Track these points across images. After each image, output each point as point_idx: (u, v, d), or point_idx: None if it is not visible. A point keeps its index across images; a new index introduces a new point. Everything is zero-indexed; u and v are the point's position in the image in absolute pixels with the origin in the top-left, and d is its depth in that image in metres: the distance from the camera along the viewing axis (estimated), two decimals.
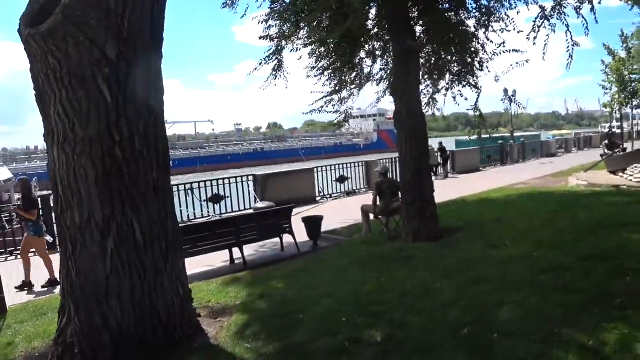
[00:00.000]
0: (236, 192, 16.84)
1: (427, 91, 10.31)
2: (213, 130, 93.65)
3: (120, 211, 4.78)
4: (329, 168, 19.22)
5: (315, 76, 10.38)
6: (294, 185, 17.89)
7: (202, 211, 16.25)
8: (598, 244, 6.71)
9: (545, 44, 8.72)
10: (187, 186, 16.16)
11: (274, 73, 10.16)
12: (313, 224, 10.55)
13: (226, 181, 16.77)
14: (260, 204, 14.65)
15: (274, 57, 10.01)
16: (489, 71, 9.63)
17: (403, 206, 8.94)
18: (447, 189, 18.21)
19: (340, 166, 19.76)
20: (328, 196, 18.87)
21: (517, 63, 9.16)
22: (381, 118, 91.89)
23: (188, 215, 15.88)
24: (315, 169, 18.89)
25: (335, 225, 12.23)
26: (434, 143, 25.70)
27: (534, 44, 8.67)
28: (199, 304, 6.32)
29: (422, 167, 8.81)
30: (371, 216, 10.47)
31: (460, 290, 5.30)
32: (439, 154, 23.70)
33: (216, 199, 16.45)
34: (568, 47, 8.38)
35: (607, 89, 25.49)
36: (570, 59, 8.39)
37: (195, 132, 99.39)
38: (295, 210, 15.59)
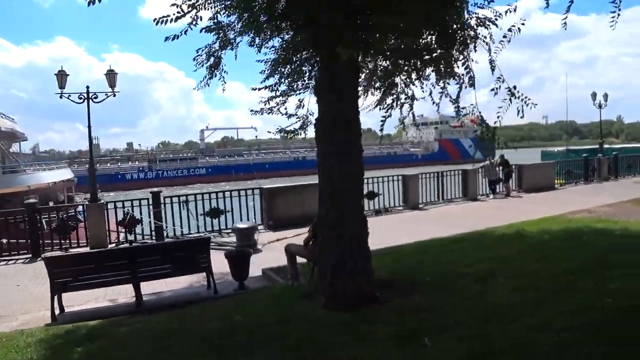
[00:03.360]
0: (239, 207, 14.79)
1: (401, 89, 7.36)
2: (256, 137, 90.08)
3: None
4: None
5: (261, 73, 7.94)
6: (309, 200, 15.42)
7: (197, 227, 14.47)
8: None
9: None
10: (182, 198, 14.44)
11: (209, 72, 7.77)
12: (237, 261, 8.23)
13: (227, 194, 14.78)
14: (241, 225, 12.49)
15: (213, 55, 7.65)
16: (475, 50, 6.39)
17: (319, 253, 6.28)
18: (490, 213, 15.39)
19: (371, 180, 17.03)
20: None
21: (509, 30, 5.86)
22: (444, 126, 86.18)
23: (182, 232, 14.15)
24: None
25: None
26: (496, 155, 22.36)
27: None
28: None
29: (345, 196, 6.03)
30: None
31: None
32: (500, 167, 20.12)
33: (214, 213, 14.54)
34: None
35: None
36: None
37: (237, 139, 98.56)
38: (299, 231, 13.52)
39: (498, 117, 5.64)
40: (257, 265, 9.51)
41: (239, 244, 11.98)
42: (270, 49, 7.78)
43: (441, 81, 6.68)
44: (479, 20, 6.38)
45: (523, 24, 5.79)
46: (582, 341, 4.16)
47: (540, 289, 5.79)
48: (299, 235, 13.22)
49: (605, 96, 27.04)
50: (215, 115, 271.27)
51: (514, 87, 5.62)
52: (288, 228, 13.85)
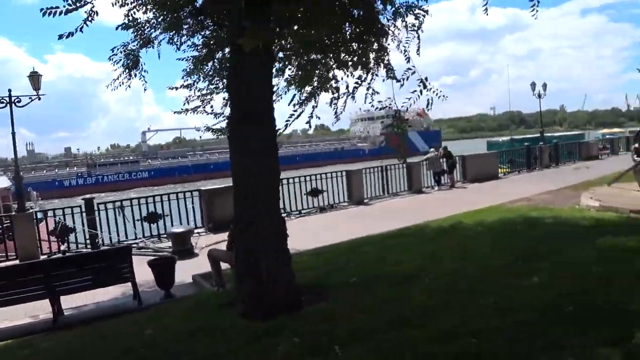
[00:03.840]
0: (177, 210, 14.30)
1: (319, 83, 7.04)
2: (200, 137, 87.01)
3: None
4: (297, 180, 16.27)
5: (183, 71, 7.61)
6: None
7: (135, 233, 13.87)
8: None
9: None
10: (117, 204, 13.82)
11: (127, 72, 7.33)
12: (161, 269, 7.85)
13: (165, 197, 14.27)
14: (176, 229, 12.06)
15: (130, 54, 7.22)
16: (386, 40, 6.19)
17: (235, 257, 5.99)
18: (433, 206, 15.33)
19: (315, 177, 16.80)
20: (296, 213, 15.93)
21: (416, 18, 5.76)
22: (390, 120, 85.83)
23: (118, 239, 13.53)
24: (281, 181, 15.93)
25: None
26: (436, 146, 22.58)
27: None
28: None
29: (260, 194, 5.71)
30: None
31: None
32: (444, 159, 20.22)
33: (152, 218, 13.99)
34: None
35: None
36: None
37: (189, 139, 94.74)
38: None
39: (402, 106, 5.50)
40: (191, 271, 9.18)
41: (175, 249, 11.59)
42: (190, 46, 7.48)
43: (367, 74, 6.47)
44: (401, 9, 6.27)
45: (426, 11, 5.76)
46: (486, 348, 3.98)
47: (464, 288, 5.62)
48: None
49: (545, 86, 27.75)
50: (166, 116, 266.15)
51: (426, 79, 5.48)
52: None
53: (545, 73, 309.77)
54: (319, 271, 7.38)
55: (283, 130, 6.45)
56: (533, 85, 27.12)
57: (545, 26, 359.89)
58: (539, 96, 27.19)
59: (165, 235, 13.46)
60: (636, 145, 14.00)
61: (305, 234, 12.20)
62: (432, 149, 21.59)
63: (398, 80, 5.97)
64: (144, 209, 13.96)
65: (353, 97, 6.47)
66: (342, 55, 6.38)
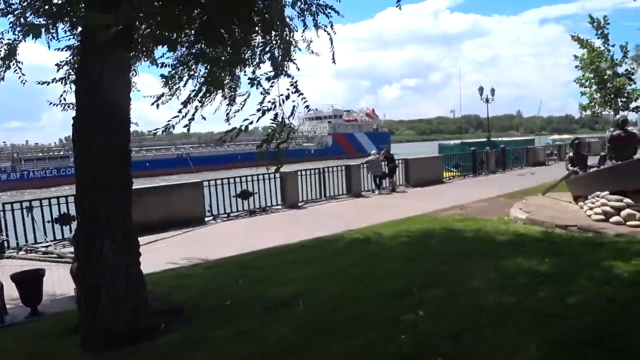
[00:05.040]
0: None
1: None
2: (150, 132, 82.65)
3: None
4: (225, 181, 15.45)
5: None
6: (174, 202, 14.19)
7: (45, 236, 12.78)
8: None
9: None
10: (25, 204, 12.71)
11: (3, 63, 6.35)
12: (26, 283, 6.96)
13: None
14: None
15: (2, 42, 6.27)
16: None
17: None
18: (366, 212, 14.77)
19: (247, 178, 15.98)
20: (225, 216, 15.09)
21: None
22: (338, 120, 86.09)
23: (26, 242, 12.43)
24: (208, 182, 15.15)
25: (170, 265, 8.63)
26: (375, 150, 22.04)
27: None
28: None
29: (106, 206, 4.91)
30: None
31: None
32: (385, 162, 19.63)
33: (65, 220, 12.95)
34: None
35: (585, 87, 20.81)
36: None
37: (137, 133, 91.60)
38: (151, 237, 12.19)
39: (265, 106, 4.85)
40: None
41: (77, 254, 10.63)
42: (69, 34, 6.57)
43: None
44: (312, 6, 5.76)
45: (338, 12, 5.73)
46: None
47: (336, 321, 4.96)
48: (151, 243, 11.95)
49: (493, 91, 27.64)
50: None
51: (296, 82, 4.82)
52: (145, 234, 12.54)
53: (505, 79, 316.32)
54: (200, 289, 6.62)
55: (155, 133, 5.56)
56: (481, 89, 27.05)
57: (506, 34, 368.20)
58: (487, 101, 27.10)
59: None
60: (570, 154, 13.70)
61: (221, 240, 11.44)
62: (373, 152, 20.98)
63: (280, 73, 5.27)
64: (50, 210, 12.93)
65: (233, 100, 5.76)
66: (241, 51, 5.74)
